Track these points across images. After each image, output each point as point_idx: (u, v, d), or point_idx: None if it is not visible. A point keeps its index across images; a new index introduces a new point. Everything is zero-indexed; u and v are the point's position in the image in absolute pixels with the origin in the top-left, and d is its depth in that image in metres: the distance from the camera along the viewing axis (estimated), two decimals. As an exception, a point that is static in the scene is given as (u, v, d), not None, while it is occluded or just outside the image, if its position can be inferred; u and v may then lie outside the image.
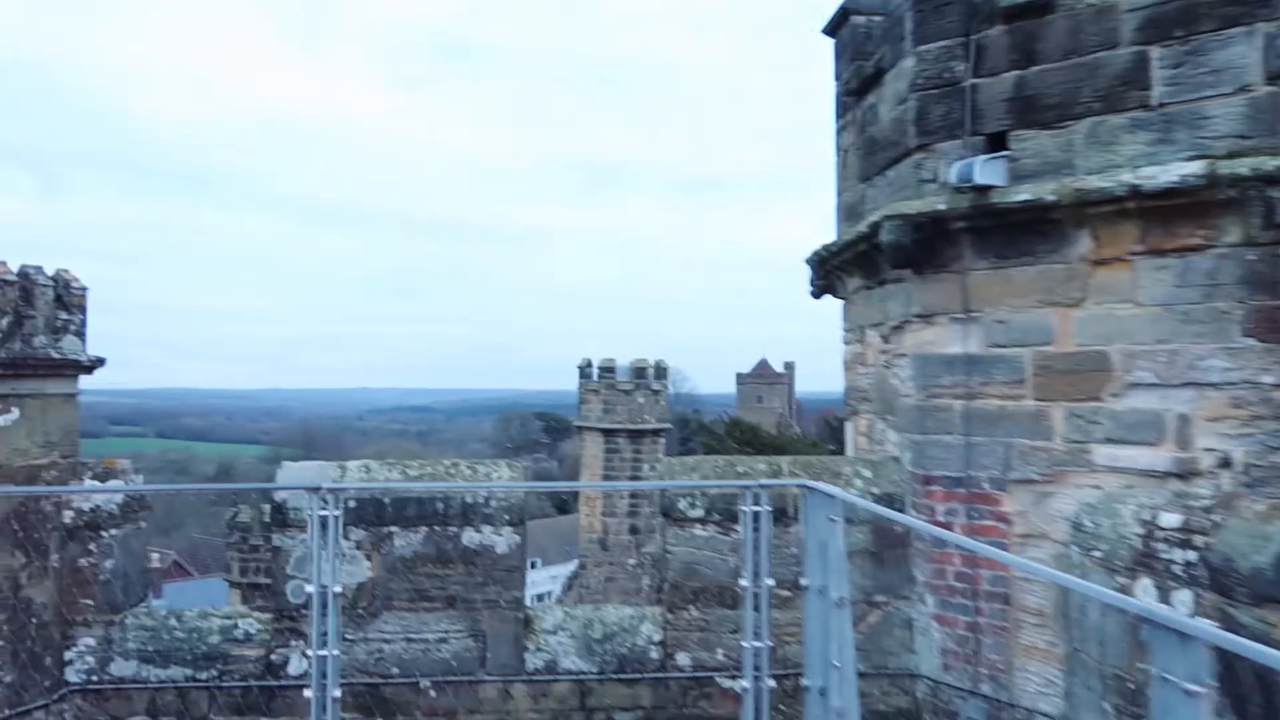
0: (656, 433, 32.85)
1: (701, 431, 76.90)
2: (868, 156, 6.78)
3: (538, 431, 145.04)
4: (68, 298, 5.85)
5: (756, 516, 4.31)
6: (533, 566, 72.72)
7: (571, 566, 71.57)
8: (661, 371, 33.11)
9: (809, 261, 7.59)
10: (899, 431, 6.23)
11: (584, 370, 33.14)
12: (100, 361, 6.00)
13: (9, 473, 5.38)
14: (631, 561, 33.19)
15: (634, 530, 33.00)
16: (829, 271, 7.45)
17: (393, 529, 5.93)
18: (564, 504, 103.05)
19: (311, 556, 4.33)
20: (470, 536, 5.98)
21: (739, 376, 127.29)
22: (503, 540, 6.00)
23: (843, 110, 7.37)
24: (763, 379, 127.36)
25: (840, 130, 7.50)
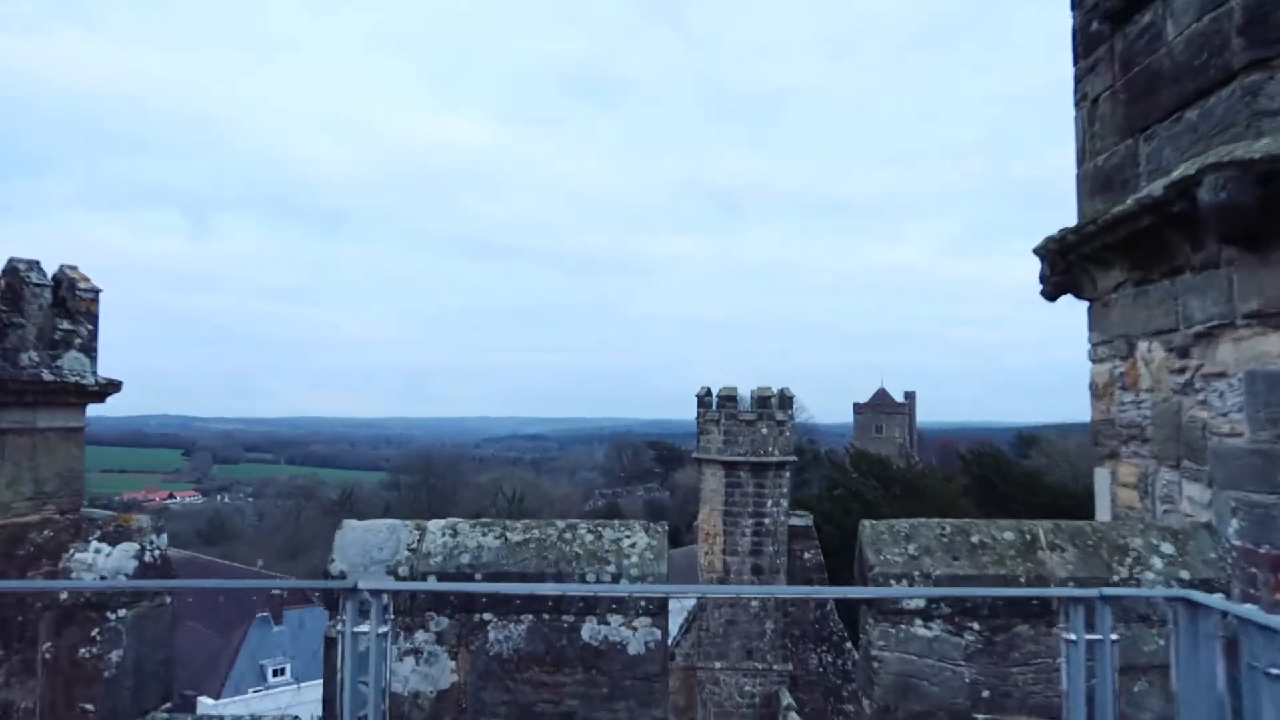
0: (781, 466, 30.79)
1: (817, 463, 73.92)
2: (1144, 98, 4.83)
3: (650, 461, 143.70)
4: (72, 302, 4.45)
5: (1090, 648, 2.46)
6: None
7: (689, 604, 69.48)
8: (786, 401, 31.06)
9: (1040, 253, 5.64)
10: (1215, 486, 4.23)
11: (703, 399, 31.39)
12: (115, 386, 4.61)
13: None
14: (755, 604, 31.16)
15: (757, 570, 31.00)
16: (1071, 264, 5.49)
17: (487, 617, 4.27)
18: (676, 535, 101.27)
19: (343, 677, 2.71)
20: (593, 630, 4.27)
21: (856, 406, 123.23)
22: (638, 637, 4.26)
23: (1089, 45, 5.44)
24: (881, 408, 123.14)
25: (1084, 75, 5.55)
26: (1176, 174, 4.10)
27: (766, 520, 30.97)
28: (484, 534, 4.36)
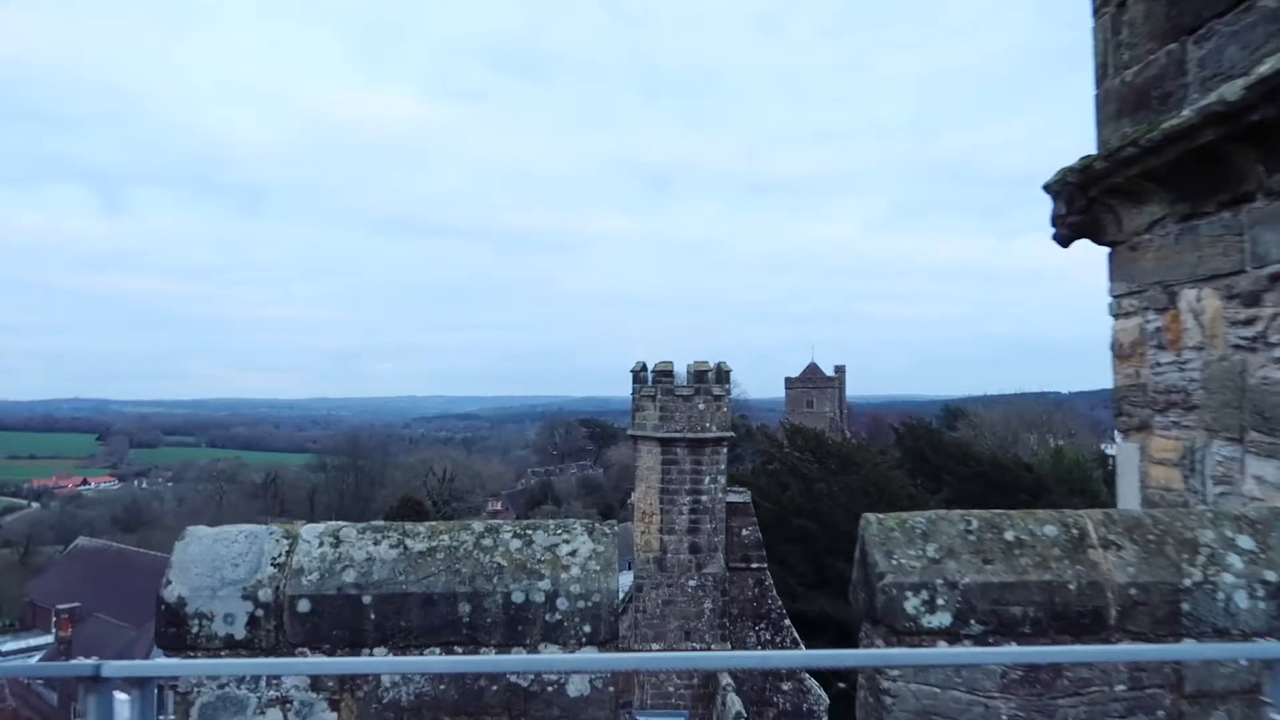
0: (719, 442, 30.09)
1: (750, 438, 73.70)
2: (1191, -8, 3.93)
3: (583, 438, 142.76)
4: None
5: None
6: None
7: (626, 583, 68.92)
8: (723, 376, 30.32)
9: (1055, 188, 4.74)
10: (1299, 465, 3.38)
11: (638, 375, 30.46)
12: None
13: None
14: (692, 583, 30.55)
15: (694, 549, 30.35)
16: (1093, 201, 4.59)
17: (380, 652, 3.21)
18: (610, 511, 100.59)
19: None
20: (521, 663, 3.24)
21: (788, 381, 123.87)
22: (579, 674, 3.24)
23: (1116, -63, 4.52)
24: (812, 383, 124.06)
25: (1108, -27, 4.64)
26: (1265, 68, 3.19)
27: (704, 498, 30.33)
28: (375, 542, 3.28)
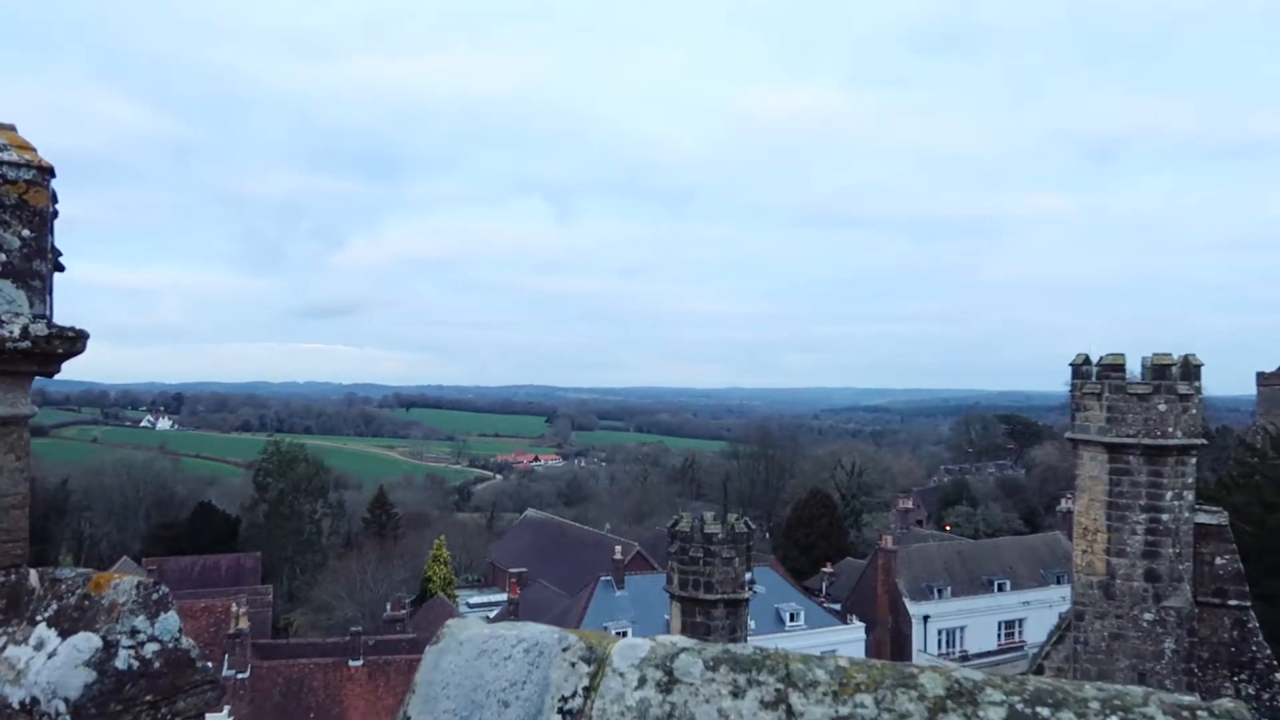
0: (1185, 450, 25.00)
1: (1214, 444, 62.40)
2: None
3: (1002, 435, 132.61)
4: None
5: None
6: (999, 589, 64.28)
7: (1045, 594, 62.07)
8: (1192, 370, 25.13)
9: None
10: None
11: (1079, 369, 26.26)
12: (70, 340, 2.65)
13: None
14: (1148, 617, 25.84)
15: (1151, 576, 25.62)
16: None
17: None
18: (1033, 517, 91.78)
19: None
20: None
21: (1261, 376, 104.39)
22: None
23: None
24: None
25: None
26: None
27: (1165, 516, 25.45)
28: (735, 691, 1.77)
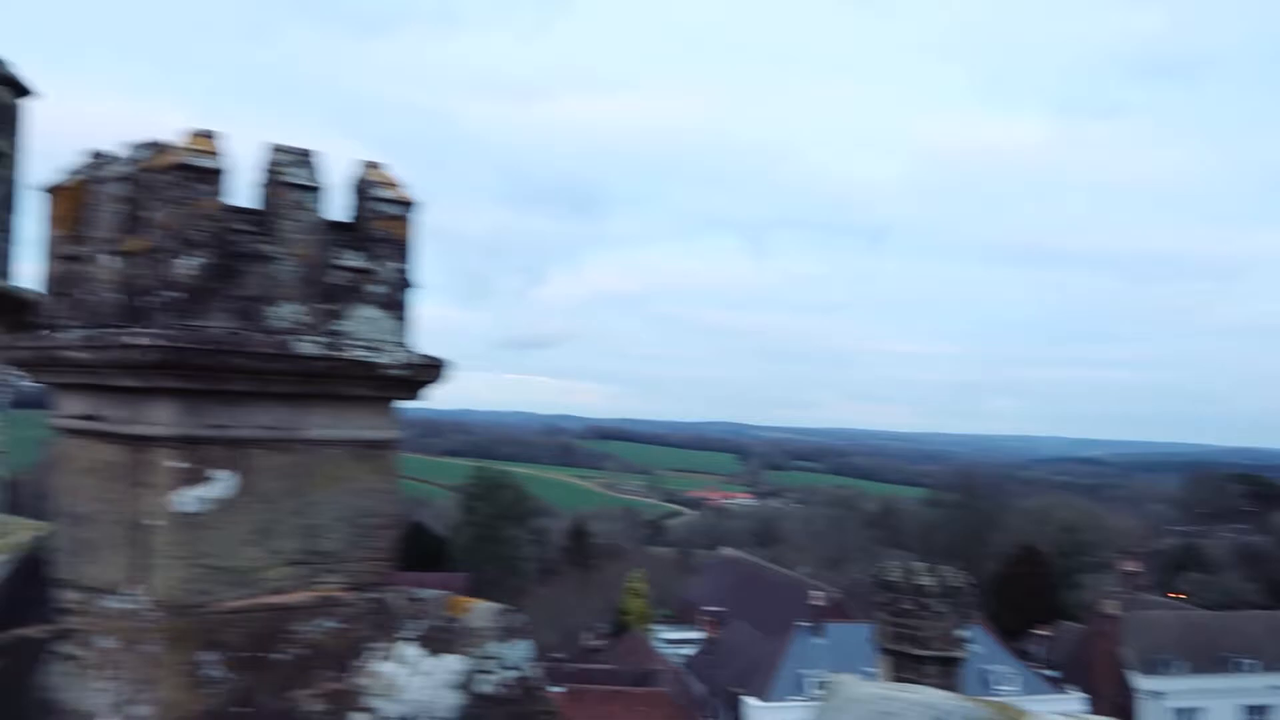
0: None
1: None
2: None
3: (1237, 496, 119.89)
4: (366, 221, 2.78)
5: None
6: (1243, 669, 57.58)
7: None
8: None
9: None
10: None
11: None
12: (435, 370, 2.85)
13: (206, 625, 2.39)
14: None
15: None
16: None
17: None
18: (1278, 587, 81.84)
19: None
20: None
21: None
22: None
23: None
24: None
25: None
26: None
27: None
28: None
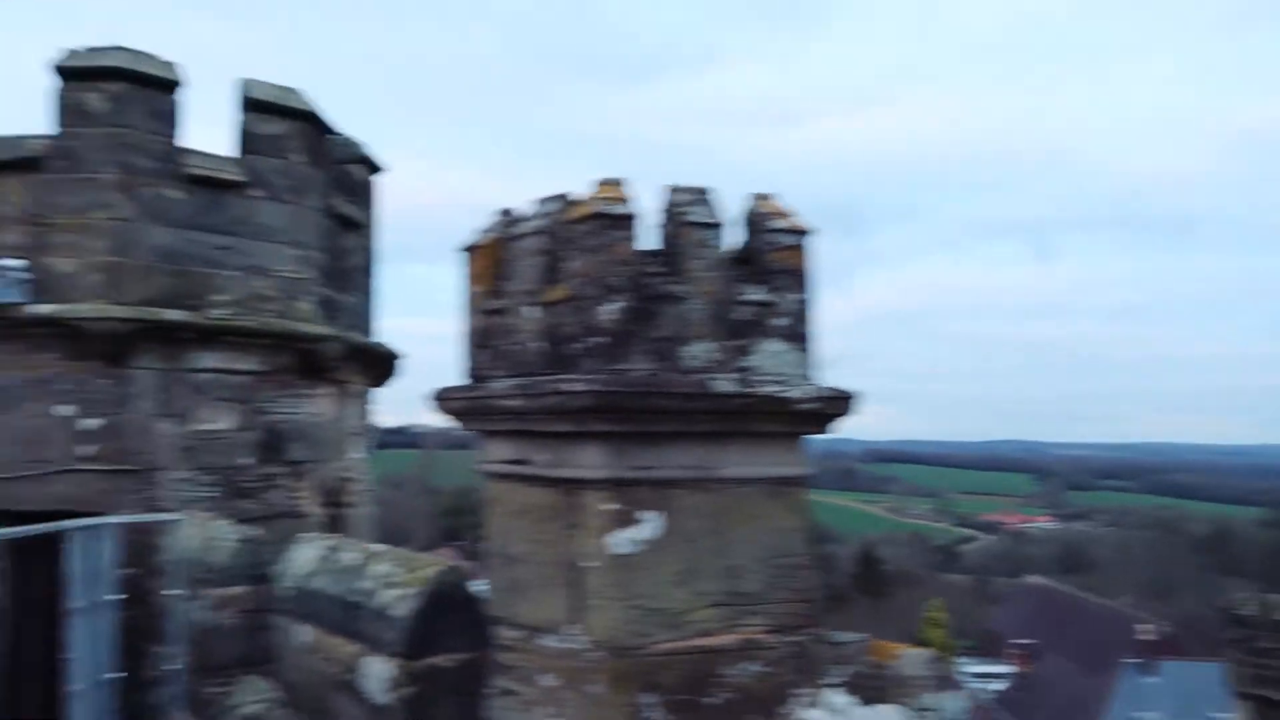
0: None
1: None
2: None
3: None
4: (761, 255, 2.68)
5: None
6: None
7: None
8: None
9: None
10: None
11: None
12: (842, 403, 2.68)
13: (645, 667, 2.33)
14: None
15: None
16: None
17: None
18: None
19: None
20: None
21: None
22: None
23: None
24: None
25: None
26: None
27: None
28: None
